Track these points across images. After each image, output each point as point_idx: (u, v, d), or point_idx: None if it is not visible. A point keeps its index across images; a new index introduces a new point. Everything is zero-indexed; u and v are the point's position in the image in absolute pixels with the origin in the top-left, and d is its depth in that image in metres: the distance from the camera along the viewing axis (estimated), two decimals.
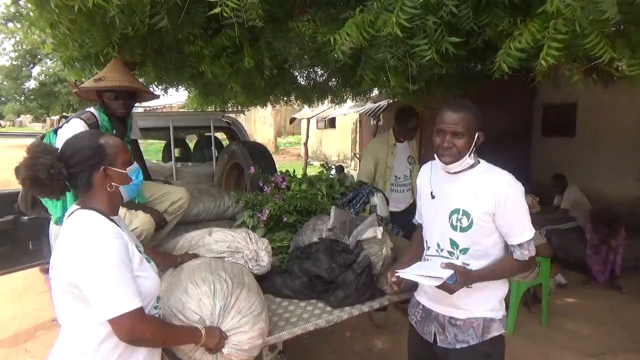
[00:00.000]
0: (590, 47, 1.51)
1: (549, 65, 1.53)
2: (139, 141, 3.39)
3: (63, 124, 2.47)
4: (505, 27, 1.68)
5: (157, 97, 3.04)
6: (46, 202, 2.43)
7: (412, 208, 3.34)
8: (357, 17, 1.68)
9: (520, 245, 1.75)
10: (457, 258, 1.79)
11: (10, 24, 20.12)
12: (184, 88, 5.67)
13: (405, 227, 3.20)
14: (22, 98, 26.12)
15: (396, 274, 1.77)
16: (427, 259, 1.93)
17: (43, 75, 23.70)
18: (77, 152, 1.45)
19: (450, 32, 1.72)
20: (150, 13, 1.98)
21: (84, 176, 1.46)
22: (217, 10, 1.60)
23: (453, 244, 1.80)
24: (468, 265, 1.76)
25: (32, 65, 24.29)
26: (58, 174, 1.41)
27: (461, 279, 1.66)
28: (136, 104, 2.92)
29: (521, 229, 1.75)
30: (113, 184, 1.50)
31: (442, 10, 1.61)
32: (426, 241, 1.95)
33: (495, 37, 1.83)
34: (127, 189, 1.56)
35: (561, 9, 1.31)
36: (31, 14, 2.20)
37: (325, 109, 11.04)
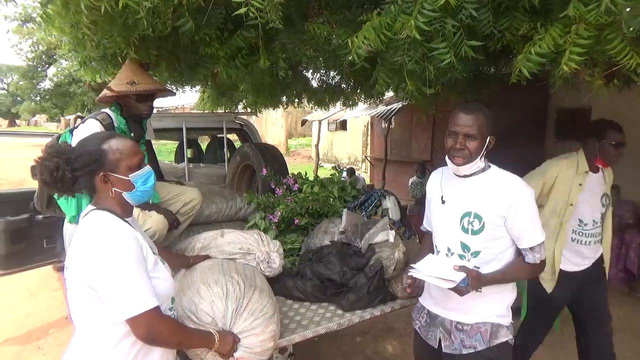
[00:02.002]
0: (613, 53, 1.48)
1: (571, 70, 1.51)
2: (153, 142, 3.42)
3: (79, 124, 2.50)
4: (526, 31, 1.65)
5: (174, 94, 3.07)
6: (60, 201, 2.46)
7: (597, 265, 2.69)
8: (374, 20, 1.67)
9: (532, 248, 1.76)
10: (469, 261, 1.79)
11: (28, 24, 20.43)
12: (196, 89, 5.70)
13: (585, 293, 2.66)
14: (38, 98, 26.52)
15: (409, 272, 1.77)
16: None
17: (58, 75, 24.02)
18: (80, 156, 1.44)
19: (468, 36, 1.70)
20: (174, 16, 1.99)
21: (83, 180, 1.45)
22: (243, 10, 1.60)
23: (464, 247, 1.80)
24: (479, 268, 1.76)
25: (47, 66, 24.64)
26: (62, 177, 1.41)
27: (473, 282, 1.66)
28: None
29: (533, 232, 1.76)
30: (114, 189, 1.47)
31: (461, 13, 1.59)
32: (435, 246, 1.95)
33: (513, 41, 1.81)
34: (132, 196, 1.51)
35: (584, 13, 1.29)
36: (50, 12, 2.22)
37: (336, 111, 11.03)
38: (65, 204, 2.45)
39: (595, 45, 1.50)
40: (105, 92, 2.58)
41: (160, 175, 3.15)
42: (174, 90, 4.99)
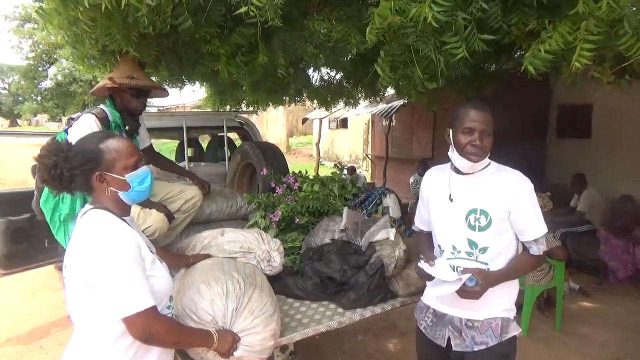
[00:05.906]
0: (624, 49, 1.46)
1: (582, 66, 1.50)
2: (154, 140, 3.41)
3: (72, 123, 2.51)
4: (534, 27, 1.64)
5: (167, 94, 3.10)
6: (61, 198, 2.44)
7: None
8: (389, 3, 1.63)
9: (536, 240, 1.78)
10: (477, 258, 1.78)
11: (28, 25, 20.44)
12: (197, 86, 5.69)
13: None
14: (39, 98, 26.54)
15: (419, 264, 1.78)
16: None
17: (59, 75, 24.05)
18: (77, 155, 1.44)
19: (478, 31, 1.69)
20: (173, 14, 1.98)
21: (80, 179, 1.45)
22: (244, 9, 1.59)
23: (472, 244, 1.79)
24: (487, 264, 1.76)
25: (48, 65, 24.67)
26: (59, 175, 1.41)
27: (481, 278, 1.66)
28: (148, 104, 2.98)
29: (536, 224, 1.78)
30: (110, 189, 1.47)
31: (472, 6, 1.58)
32: (439, 245, 1.92)
33: (520, 37, 1.79)
34: (127, 195, 1.51)
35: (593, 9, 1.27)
36: (47, 8, 2.22)
37: (337, 109, 11.02)
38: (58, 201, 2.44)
39: (605, 42, 1.48)
40: (104, 82, 2.59)
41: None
42: (175, 89, 5.00)
